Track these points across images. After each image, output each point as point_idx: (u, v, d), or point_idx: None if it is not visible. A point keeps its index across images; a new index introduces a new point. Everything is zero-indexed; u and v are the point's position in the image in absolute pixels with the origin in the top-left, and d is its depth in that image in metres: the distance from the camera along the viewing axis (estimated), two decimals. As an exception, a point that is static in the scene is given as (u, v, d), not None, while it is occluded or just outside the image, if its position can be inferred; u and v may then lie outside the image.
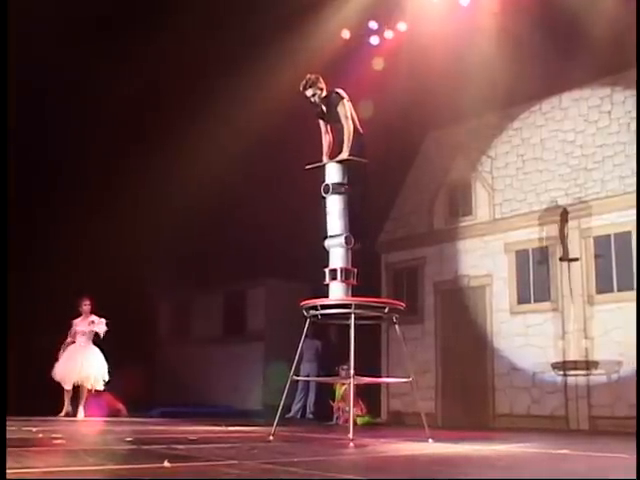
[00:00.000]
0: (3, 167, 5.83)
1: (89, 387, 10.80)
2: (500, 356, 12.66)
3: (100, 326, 10.91)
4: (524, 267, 12.59)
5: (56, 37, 11.63)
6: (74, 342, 10.97)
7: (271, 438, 6.16)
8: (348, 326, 6.27)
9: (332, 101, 6.78)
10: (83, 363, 10.77)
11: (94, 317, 11.01)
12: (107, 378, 10.88)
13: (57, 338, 11.18)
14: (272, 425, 6.41)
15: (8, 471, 3.35)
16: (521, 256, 12.65)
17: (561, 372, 11.72)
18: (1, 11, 5.52)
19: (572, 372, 11.58)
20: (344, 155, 6.54)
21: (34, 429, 6.76)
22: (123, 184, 14.52)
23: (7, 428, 6.95)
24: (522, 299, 12.53)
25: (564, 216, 11.96)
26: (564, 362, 11.70)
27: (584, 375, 11.45)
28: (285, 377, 6.56)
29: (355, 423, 11.46)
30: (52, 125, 13.87)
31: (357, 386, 11.41)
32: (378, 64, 12.85)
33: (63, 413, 10.65)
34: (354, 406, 11.88)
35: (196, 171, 13.83)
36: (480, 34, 11.62)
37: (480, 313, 13.05)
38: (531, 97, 13.05)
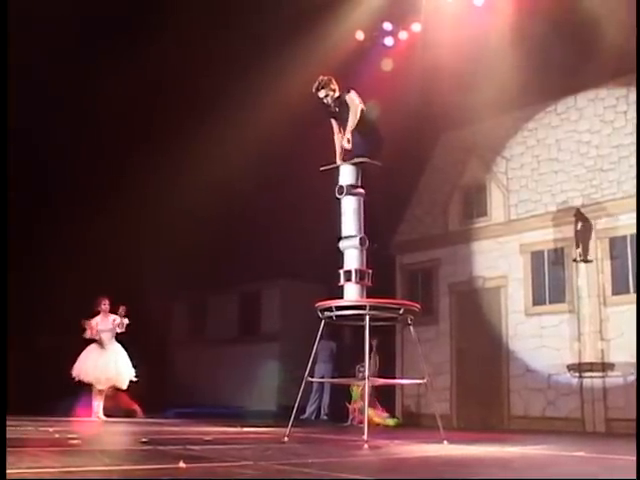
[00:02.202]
0: (3, 167, 5.86)
1: (119, 387, 10.80)
2: (515, 357, 12.61)
3: (122, 320, 10.92)
4: (539, 268, 12.53)
5: (64, 35, 11.68)
6: (100, 341, 10.87)
7: (286, 439, 6.17)
8: (363, 327, 6.28)
9: (344, 101, 6.82)
10: (116, 363, 10.74)
11: (115, 316, 11.00)
12: (134, 378, 10.83)
13: (71, 338, 11.17)
14: (286, 426, 6.42)
15: (26, 470, 3.39)
16: (536, 257, 12.60)
17: (577, 374, 11.66)
18: (1, 11, 5.53)
19: (588, 374, 11.51)
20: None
21: (51, 429, 6.81)
22: (138, 184, 14.59)
23: (24, 429, 7.01)
24: (537, 300, 12.48)
25: (579, 217, 11.91)
26: (580, 364, 11.64)
27: (600, 377, 11.38)
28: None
29: (377, 424, 11.52)
30: (64, 125, 13.94)
31: (375, 387, 11.49)
32: (392, 65, 12.84)
33: (96, 415, 10.57)
34: (374, 408, 11.96)
35: (211, 171, 13.87)
36: (495, 34, 11.58)
37: (495, 314, 13.00)
38: (546, 98, 12.98)
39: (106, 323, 10.95)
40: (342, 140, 6.91)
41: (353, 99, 6.78)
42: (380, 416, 12.17)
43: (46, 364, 14.90)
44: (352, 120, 6.64)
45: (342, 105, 6.84)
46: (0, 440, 3.67)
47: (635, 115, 11.19)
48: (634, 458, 5.18)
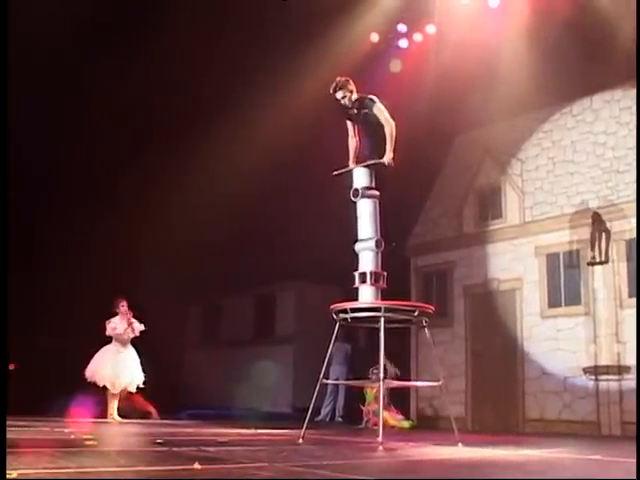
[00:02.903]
0: (3, 168, 5.90)
1: (130, 390, 10.83)
2: (530, 360, 12.55)
3: (139, 326, 10.94)
4: (555, 270, 12.48)
5: (72, 35, 11.73)
6: (120, 340, 10.91)
7: (300, 441, 6.17)
8: (377, 329, 6.28)
9: (365, 105, 6.82)
10: (130, 366, 10.76)
11: (132, 320, 11.02)
12: (141, 384, 10.84)
13: (88, 338, 11.20)
14: (301, 428, 6.42)
15: (42, 471, 3.41)
16: (552, 259, 12.55)
17: (593, 377, 11.60)
18: (1, 11, 5.56)
19: (604, 377, 11.45)
20: (389, 155, 6.56)
21: (66, 430, 6.85)
22: (152, 185, 14.65)
23: (41, 429, 7.06)
24: (553, 303, 12.42)
25: (596, 219, 11.85)
26: (596, 367, 11.57)
27: (616, 380, 11.31)
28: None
29: (392, 426, 11.50)
30: (71, 125, 14.00)
31: (389, 390, 11.47)
32: (407, 67, 12.83)
33: (110, 417, 10.59)
34: (388, 410, 11.93)
35: (226, 174, 13.90)
36: (509, 36, 11.55)
37: (510, 317, 12.95)
38: (562, 99, 12.93)
39: (122, 326, 10.97)
40: (357, 143, 6.93)
41: (382, 110, 6.75)
42: (395, 418, 12.15)
43: (46, 364, 15.03)
44: (390, 143, 6.61)
45: (362, 109, 6.82)
46: (0, 440, 3.69)
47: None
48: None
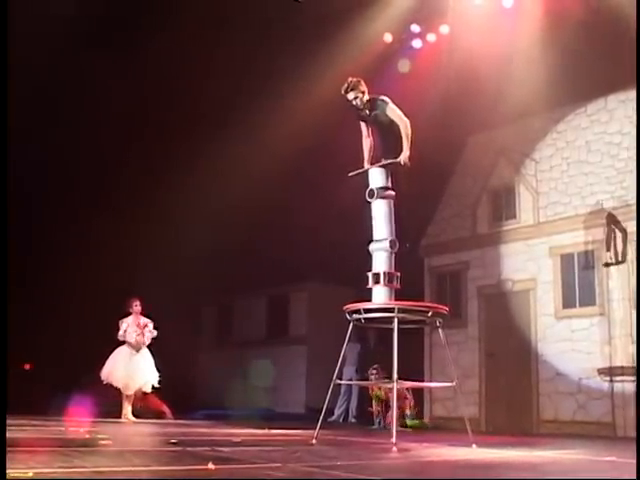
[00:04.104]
0: (3, 168, 5.94)
1: (145, 390, 10.86)
2: (545, 361, 12.51)
3: (150, 334, 10.94)
4: (569, 271, 12.43)
5: (85, 36, 11.79)
6: (135, 344, 10.93)
7: (314, 441, 6.18)
8: (388, 330, 6.27)
9: (376, 106, 6.80)
10: (143, 369, 10.79)
11: (146, 319, 11.04)
12: (157, 384, 10.85)
13: (102, 338, 11.23)
14: (314, 428, 6.43)
15: (58, 470, 3.43)
16: (566, 260, 12.50)
17: (607, 378, 11.54)
18: (1, 11, 5.57)
19: (619, 378, 11.39)
20: (406, 154, 6.54)
21: (82, 430, 6.88)
22: (165, 186, 14.70)
23: (56, 429, 7.10)
24: (567, 303, 12.37)
25: (611, 219, 11.79)
26: (610, 368, 11.52)
27: (631, 381, 11.24)
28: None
29: (404, 425, 11.47)
30: (83, 125, 14.07)
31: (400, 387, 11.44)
32: (420, 67, 12.81)
33: (124, 417, 10.62)
34: (404, 399, 11.87)
35: (240, 175, 13.93)
36: (523, 36, 11.51)
37: (524, 318, 12.91)
38: (576, 99, 12.88)
39: (135, 326, 10.98)
40: (371, 144, 6.91)
41: (394, 110, 6.73)
42: (409, 409, 12.02)
43: (60, 363, 15.10)
44: (406, 142, 6.60)
45: (374, 110, 6.80)
46: (0, 440, 3.71)
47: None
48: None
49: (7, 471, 3.23)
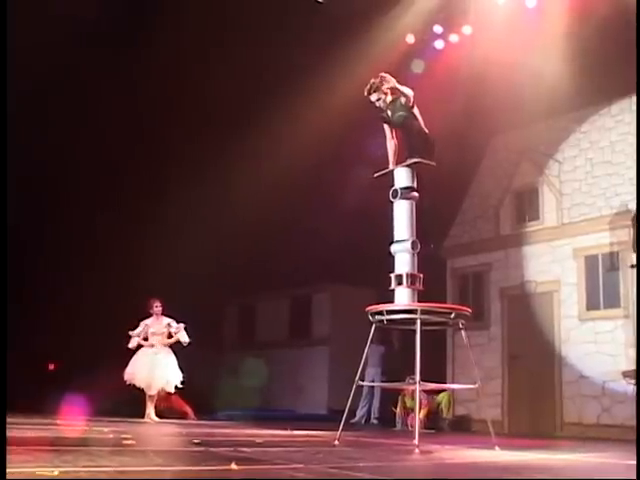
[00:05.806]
0: (3, 168, 6.00)
1: (168, 390, 10.89)
2: (568, 363, 12.42)
3: (182, 334, 10.94)
4: (593, 272, 12.33)
5: (96, 36, 11.84)
6: (152, 345, 10.96)
7: (336, 443, 6.18)
8: (412, 332, 6.26)
9: (399, 108, 6.75)
10: (165, 369, 10.81)
11: (169, 320, 11.07)
12: (180, 383, 10.86)
13: (121, 339, 11.27)
14: (337, 430, 6.43)
15: (82, 469, 3.47)
16: (590, 261, 12.40)
17: (632, 381, 11.42)
18: (1, 11, 5.62)
19: (644, 381, 11.28)
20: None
21: (105, 429, 6.93)
22: (189, 188, 14.76)
23: (81, 428, 7.15)
24: (591, 305, 12.28)
25: (635, 221, 11.68)
26: (635, 370, 11.41)
27: (656, 384, 11.14)
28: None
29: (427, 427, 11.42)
30: (110, 129, 14.15)
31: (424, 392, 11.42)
32: (442, 68, 12.77)
33: (147, 417, 10.67)
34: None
35: (263, 176, 13.96)
36: (547, 36, 11.44)
37: (547, 319, 12.83)
38: (600, 100, 12.79)
39: (158, 326, 11.01)
40: (395, 145, 6.88)
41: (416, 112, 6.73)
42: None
43: (83, 364, 15.19)
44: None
45: (397, 111, 6.76)
46: (0, 440, 3.75)
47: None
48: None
49: (34, 470, 3.26)
